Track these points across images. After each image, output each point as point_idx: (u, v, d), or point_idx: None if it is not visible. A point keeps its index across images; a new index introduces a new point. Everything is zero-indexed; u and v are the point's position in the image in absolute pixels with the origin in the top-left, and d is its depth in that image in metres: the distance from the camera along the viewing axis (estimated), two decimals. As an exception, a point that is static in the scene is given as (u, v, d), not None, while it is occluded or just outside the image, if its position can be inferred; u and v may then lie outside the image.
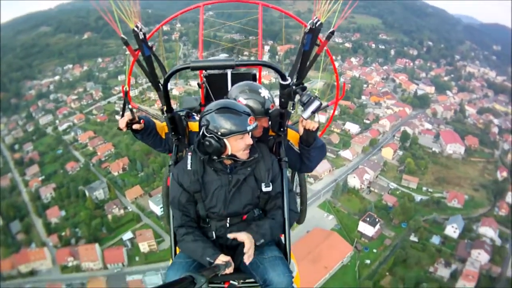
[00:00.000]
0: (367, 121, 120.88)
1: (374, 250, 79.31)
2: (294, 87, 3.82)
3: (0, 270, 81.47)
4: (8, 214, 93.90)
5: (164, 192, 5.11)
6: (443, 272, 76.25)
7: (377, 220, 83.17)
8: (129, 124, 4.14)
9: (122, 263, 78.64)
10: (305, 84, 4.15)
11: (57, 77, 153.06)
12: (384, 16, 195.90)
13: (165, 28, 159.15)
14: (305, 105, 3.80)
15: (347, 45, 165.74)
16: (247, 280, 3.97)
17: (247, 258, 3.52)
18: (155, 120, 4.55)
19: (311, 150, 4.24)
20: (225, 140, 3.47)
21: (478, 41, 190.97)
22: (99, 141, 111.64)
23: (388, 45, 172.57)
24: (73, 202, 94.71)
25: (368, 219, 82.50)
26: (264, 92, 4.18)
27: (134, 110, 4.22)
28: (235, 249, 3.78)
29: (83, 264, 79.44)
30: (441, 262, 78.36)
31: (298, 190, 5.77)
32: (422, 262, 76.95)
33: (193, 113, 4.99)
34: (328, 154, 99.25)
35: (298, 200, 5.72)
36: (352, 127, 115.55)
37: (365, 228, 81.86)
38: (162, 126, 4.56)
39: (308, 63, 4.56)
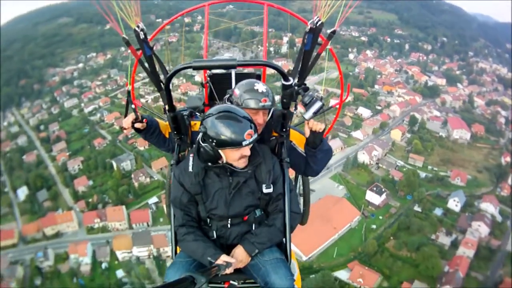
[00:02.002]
0: (379, 107, 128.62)
1: (380, 217, 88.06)
2: (296, 87, 4.03)
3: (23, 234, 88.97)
4: (35, 184, 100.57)
5: (167, 191, 5.19)
6: (444, 240, 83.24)
7: (383, 190, 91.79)
8: (132, 124, 4.37)
9: (147, 223, 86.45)
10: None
11: (80, 65, 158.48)
12: (400, 12, 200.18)
13: (186, 20, 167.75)
14: (307, 105, 3.96)
15: (363, 38, 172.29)
16: (247, 281, 4.13)
17: (234, 267, 3.66)
18: (159, 120, 4.74)
19: (317, 152, 4.32)
20: (220, 150, 3.57)
21: (492, 39, 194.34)
22: None
23: (403, 39, 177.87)
24: (100, 173, 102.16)
25: (375, 188, 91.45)
26: (262, 87, 4.26)
27: (138, 107, 4.47)
28: None
29: (110, 224, 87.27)
30: (443, 231, 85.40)
31: (301, 191, 6.04)
32: (424, 230, 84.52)
33: (197, 113, 5.08)
34: (340, 134, 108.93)
35: (301, 201, 6.11)
36: (364, 112, 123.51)
37: (372, 197, 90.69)
38: (166, 126, 4.73)
39: (309, 63, 4.68)
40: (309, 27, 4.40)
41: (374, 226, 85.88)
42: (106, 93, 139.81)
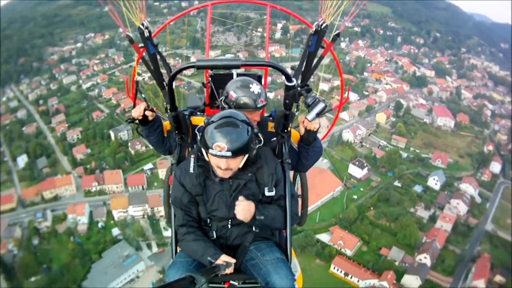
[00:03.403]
0: (366, 93, 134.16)
1: (361, 189, 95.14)
2: (299, 88, 3.99)
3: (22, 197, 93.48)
4: (34, 152, 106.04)
5: (165, 190, 5.32)
6: (423, 214, 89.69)
7: (365, 164, 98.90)
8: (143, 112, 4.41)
9: (142, 186, 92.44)
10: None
11: (79, 44, 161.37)
12: (394, 6, 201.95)
13: (183, 4, 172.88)
14: (310, 107, 3.97)
15: (356, 29, 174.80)
16: (247, 281, 4.16)
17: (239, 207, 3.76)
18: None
19: (309, 149, 4.50)
20: (204, 153, 3.63)
21: (487, 38, 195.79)
22: (123, 96, 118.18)
23: (395, 32, 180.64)
24: (98, 143, 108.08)
25: (357, 163, 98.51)
26: (256, 88, 4.44)
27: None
28: (235, 249, 4.03)
29: (107, 187, 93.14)
30: (421, 206, 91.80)
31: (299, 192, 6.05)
32: (403, 204, 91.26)
33: (197, 112, 5.24)
34: (327, 114, 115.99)
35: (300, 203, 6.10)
36: (352, 96, 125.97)
37: (354, 170, 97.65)
38: (165, 125, 4.85)
39: (313, 65, 4.74)
40: (314, 29, 4.52)
41: (355, 197, 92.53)
42: (104, 71, 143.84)
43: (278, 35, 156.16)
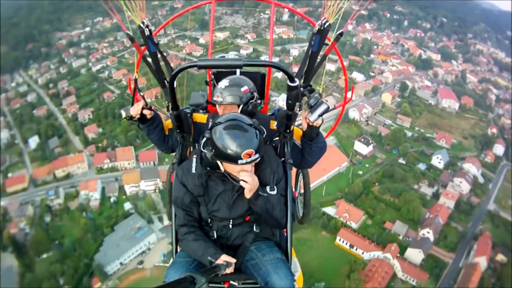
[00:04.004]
0: (372, 74, 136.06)
1: (367, 165, 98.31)
2: (302, 89, 3.97)
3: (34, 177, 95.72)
4: (46, 133, 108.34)
5: (167, 189, 5.49)
6: (426, 190, 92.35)
7: (370, 141, 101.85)
8: (141, 111, 4.49)
9: (153, 162, 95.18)
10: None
11: (87, 29, 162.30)
12: None
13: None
14: (313, 108, 3.99)
15: (363, 12, 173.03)
16: (247, 281, 4.21)
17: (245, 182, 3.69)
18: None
19: (313, 145, 4.46)
20: (217, 160, 3.66)
21: (494, 25, 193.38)
22: (133, 77, 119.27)
23: (402, 16, 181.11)
24: (109, 122, 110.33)
25: (363, 140, 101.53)
26: (246, 87, 4.60)
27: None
28: (235, 249, 4.09)
29: (119, 164, 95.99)
30: (425, 183, 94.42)
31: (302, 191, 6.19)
32: (407, 180, 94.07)
33: (200, 110, 5.24)
34: (334, 93, 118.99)
35: (301, 204, 6.37)
36: (358, 76, 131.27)
37: (360, 147, 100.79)
38: (166, 124, 4.93)
39: (316, 64, 4.80)
40: (316, 28, 4.60)
41: (360, 172, 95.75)
42: (113, 54, 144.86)
43: (285, 17, 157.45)
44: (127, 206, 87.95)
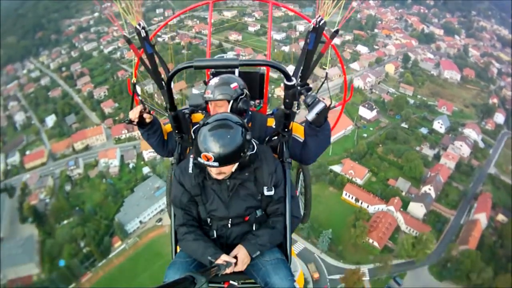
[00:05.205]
0: (376, 47, 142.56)
1: (371, 129, 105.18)
2: (299, 87, 4.07)
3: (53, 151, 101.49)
4: (63, 111, 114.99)
5: (168, 190, 5.64)
6: (428, 152, 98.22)
7: (374, 107, 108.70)
8: (140, 115, 4.55)
9: None
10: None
11: (96, 14, 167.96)
12: None
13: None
14: (310, 106, 4.04)
15: None
16: (247, 281, 4.32)
17: (235, 268, 3.84)
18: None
19: (319, 131, 4.35)
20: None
21: (498, 3, 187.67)
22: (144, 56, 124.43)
23: None
24: (125, 97, 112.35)
25: (367, 105, 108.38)
26: (235, 84, 4.65)
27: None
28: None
29: (136, 133, 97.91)
30: (427, 145, 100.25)
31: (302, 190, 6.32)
32: (410, 143, 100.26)
33: (199, 110, 5.23)
34: (338, 64, 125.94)
35: (302, 204, 6.45)
36: (362, 49, 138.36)
37: (364, 112, 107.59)
38: (165, 129, 5.02)
39: (312, 62, 4.85)
40: (312, 26, 4.62)
41: (365, 135, 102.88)
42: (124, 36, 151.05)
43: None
44: (146, 170, 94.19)
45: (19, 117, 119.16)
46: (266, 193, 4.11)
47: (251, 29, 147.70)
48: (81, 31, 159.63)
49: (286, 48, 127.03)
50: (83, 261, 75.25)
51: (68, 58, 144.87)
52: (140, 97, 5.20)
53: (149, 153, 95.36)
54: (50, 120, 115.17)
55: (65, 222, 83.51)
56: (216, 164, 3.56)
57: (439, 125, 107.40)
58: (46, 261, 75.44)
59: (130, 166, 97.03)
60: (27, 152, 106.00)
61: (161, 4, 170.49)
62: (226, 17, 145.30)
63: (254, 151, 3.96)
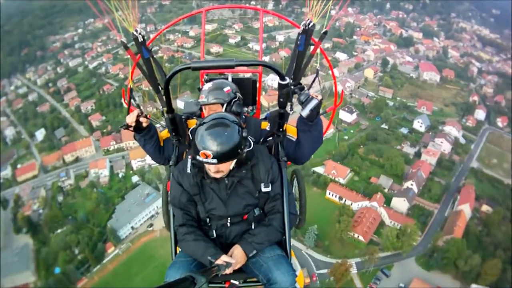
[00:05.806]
0: (355, 53, 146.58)
1: (351, 131, 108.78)
2: (292, 87, 4.11)
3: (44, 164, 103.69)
4: (52, 125, 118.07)
5: (163, 198, 5.44)
6: (409, 150, 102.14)
7: (354, 110, 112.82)
8: (137, 119, 4.61)
9: None
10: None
11: (80, 30, 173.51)
12: None
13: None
14: (304, 103, 4.17)
15: None
16: (247, 280, 4.40)
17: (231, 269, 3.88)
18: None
19: (312, 127, 4.46)
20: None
21: (478, 4, 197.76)
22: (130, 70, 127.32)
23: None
24: (112, 110, 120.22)
25: (347, 109, 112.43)
26: (228, 87, 4.89)
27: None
28: None
29: (124, 144, 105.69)
30: (407, 144, 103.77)
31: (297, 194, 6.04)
32: (390, 142, 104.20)
33: (193, 117, 5.26)
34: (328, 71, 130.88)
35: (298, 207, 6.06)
36: (341, 56, 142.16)
37: (344, 115, 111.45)
38: (161, 135, 5.08)
39: (303, 63, 5.07)
40: (301, 28, 4.83)
41: (346, 137, 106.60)
42: (108, 51, 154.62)
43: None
44: (135, 178, 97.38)
45: (9, 132, 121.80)
46: (263, 189, 4.21)
47: (231, 41, 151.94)
48: (66, 47, 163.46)
49: (266, 58, 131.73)
50: (78, 267, 77.92)
51: (54, 74, 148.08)
52: (136, 102, 5.13)
53: (137, 162, 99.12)
54: (40, 134, 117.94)
55: (59, 230, 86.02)
56: (214, 161, 3.70)
57: (419, 124, 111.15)
58: (42, 269, 77.82)
59: (120, 175, 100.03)
60: (19, 166, 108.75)
61: (142, 19, 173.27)
62: (207, 30, 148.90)
63: (251, 147, 4.07)
